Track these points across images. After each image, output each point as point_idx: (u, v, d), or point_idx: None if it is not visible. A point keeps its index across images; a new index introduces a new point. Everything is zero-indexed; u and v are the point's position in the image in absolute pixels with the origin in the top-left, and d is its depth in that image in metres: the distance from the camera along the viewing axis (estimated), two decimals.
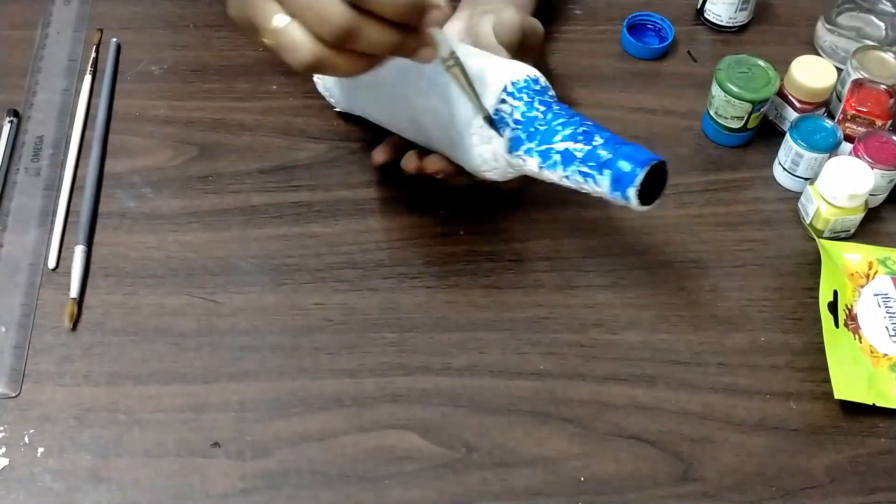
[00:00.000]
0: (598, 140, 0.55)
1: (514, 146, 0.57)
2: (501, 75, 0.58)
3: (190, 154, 0.71)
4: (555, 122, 0.56)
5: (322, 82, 0.71)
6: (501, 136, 0.57)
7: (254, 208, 0.68)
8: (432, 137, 0.62)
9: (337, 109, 0.72)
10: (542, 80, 0.59)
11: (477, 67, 0.58)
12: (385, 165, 0.69)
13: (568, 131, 0.56)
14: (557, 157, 0.56)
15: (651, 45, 0.79)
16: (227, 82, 0.75)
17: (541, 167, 0.57)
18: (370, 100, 0.66)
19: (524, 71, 0.58)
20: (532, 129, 0.57)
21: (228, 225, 0.67)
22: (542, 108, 0.57)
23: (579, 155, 0.55)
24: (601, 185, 0.54)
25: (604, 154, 0.54)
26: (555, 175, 0.56)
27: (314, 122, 0.73)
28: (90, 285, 0.64)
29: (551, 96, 0.59)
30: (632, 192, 0.53)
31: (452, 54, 0.54)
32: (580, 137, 0.55)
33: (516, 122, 0.57)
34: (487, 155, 0.58)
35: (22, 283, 0.64)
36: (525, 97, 0.57)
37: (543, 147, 0.56)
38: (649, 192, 0.54)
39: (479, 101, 0.56)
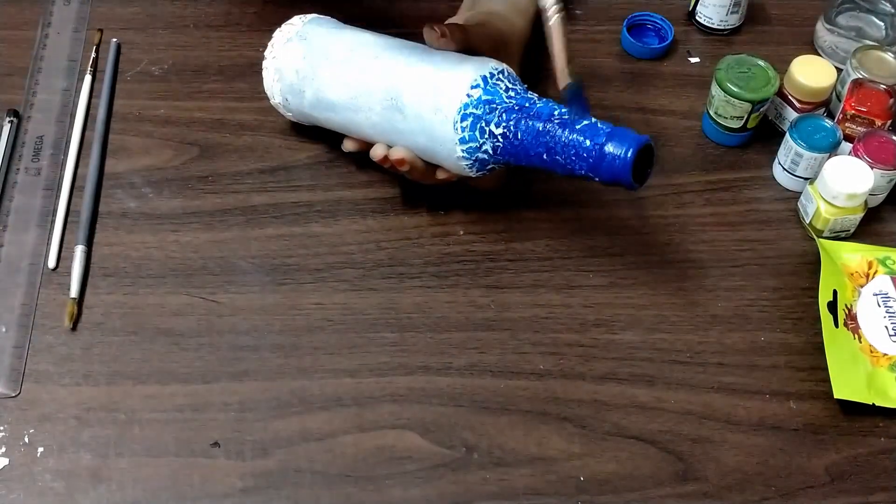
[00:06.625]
0: (583, 124, 0.58)
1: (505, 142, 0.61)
2: (476, 66, 0.61)
3: (190, 154, 0.71)
4: (535, 112, 0.59)
5: (275, 98, 0.68)
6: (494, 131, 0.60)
7: (254, 208, 0.68)
8: (404, 131, 0.62)
9: (293, 119, 0.70)
10: (509, 70, 0.62)
11: (450, 60, 0.62)
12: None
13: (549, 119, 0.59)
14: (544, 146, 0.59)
15: (651, 45, 0.79)
16: (227, 82, 0.75)
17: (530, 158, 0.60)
18: (332, 106, 0.65)
19: (494, 64, 0.62)
20: (517, 121, 0.60)
21: (228, 225, 0.67)
22: (517, 98, 0.60)
23: (565, 140, 0.58)
24: (589, 167, 0.58)
25: (590, 140, 0.57)
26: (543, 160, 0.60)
27: None
28: (90, 285, 0.64)
29: (523, 87, 0.62)
30: (625, 172, 0.56)
31: (557, 2, 0.58)
32: (565, 124, 0.59)
33: (499, 121, 0.60)
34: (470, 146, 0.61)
35: (22, 283, 0.64)
36: (503, 83, 0.61)
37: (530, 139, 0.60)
38: (640, 171, 0.57)
39: (565, 62, 0.59)
